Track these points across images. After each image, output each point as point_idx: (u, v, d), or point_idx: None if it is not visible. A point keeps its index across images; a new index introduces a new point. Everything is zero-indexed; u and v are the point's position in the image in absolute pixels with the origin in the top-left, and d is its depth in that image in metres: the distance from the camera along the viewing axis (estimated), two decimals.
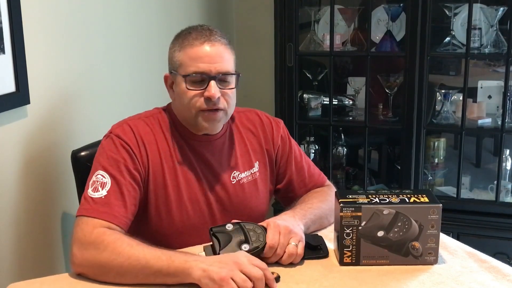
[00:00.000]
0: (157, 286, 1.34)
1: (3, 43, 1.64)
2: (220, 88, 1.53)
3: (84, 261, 1.38)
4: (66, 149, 1.84)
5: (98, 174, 1.49)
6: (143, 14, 2.40)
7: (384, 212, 1.43)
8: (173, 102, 1.64)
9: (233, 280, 1.26)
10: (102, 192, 1.46)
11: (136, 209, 1.52)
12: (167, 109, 1.65)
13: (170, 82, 1.61)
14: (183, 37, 1.56)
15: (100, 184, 1.47)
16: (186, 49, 1.54)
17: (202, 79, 1.52)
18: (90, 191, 1.47)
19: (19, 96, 1.72)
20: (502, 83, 2.67)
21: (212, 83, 1.51)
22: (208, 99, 1.52)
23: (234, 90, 1.59)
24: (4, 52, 1.65)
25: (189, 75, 1.53)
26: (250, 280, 1.28)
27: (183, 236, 1.57)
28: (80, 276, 1.39)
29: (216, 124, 1.58)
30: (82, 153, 1.75)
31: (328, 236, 1.57)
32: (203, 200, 1.61)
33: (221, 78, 1.54)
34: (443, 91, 2.76)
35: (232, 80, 1.57)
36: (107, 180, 1.48)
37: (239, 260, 1.30)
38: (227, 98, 1.56)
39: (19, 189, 1.77)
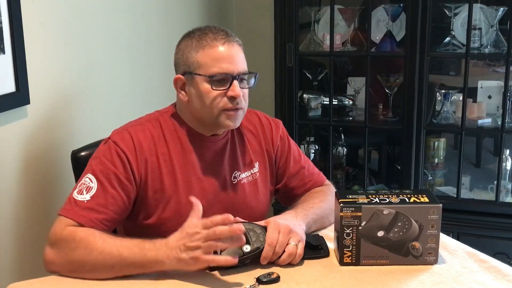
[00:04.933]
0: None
1: (3, 43, 1.65)
2: (240, 87, 1.55)
3: (57, 259, 1.41)
4: (66, 149, 1.84)
5: (86, 178, 1.50)
6: (143, 14, 2.39)
7: (384, 212, 1.43)
8: (181, 103, 1.62)
9: (205, 253, 1.35)
10: (86, 197, 1.47)
11: (120, 218, 1.53)
12: (170, 111, 1.65)
13: (180, 84, 1.60)
14: (199, 38, 1.55)
15: (86, 188, 1.48)
16: (205, 50, 1.53)
17: (223, 79, 1.53)
18: (75, 193, 1.48)
19: (19, 96, 1.72)
20: (502, 83, 2.67)
21: (235, 82, 1.53)
22: (233, 98, 1.53)
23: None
24: (4, 52, 1.65)
25: (214, 75, 1.52)
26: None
27: None
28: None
29: (238, 121, 1.60)
30: (82, 153, 1.75)
31: (328, 236, 1.57)
32: (204, 201, 1.61)
33: (242, 78, 1.56)
34: (443, 91, 2.76)
35: (248, 79, 1.59)
36: (94, 185, 1.48)
37: (197, 236, 1.35)
38: (245, 97, 1.58)
39: (19, 189, 1.77)
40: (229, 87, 1.53)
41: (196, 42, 1.55)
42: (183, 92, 1.60)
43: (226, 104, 1.54)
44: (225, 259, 1.36)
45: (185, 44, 1.58)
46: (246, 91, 1.59)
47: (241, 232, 1.37)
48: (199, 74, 1.54)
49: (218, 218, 1.37)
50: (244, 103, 1.58)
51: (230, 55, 1.54)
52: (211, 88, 1.53)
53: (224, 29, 1.59)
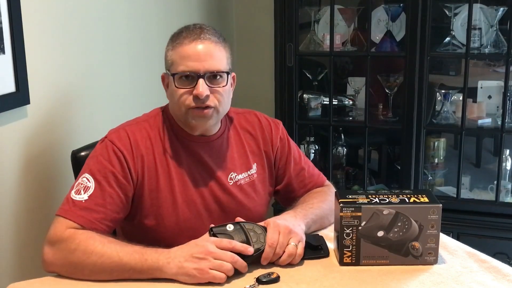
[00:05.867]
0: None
1: (3, 43, 1.65)
2: (210, 86, 1.52)
3: (56, 260, 1.40)
4: (66, 149, 1.84)
5: (83, 177, 1.49)
6: (143, 14, 2.40)
7: (384, 212, 1.43)
8: (169, 102, 1.63)
9: (211, 268, 1.34)
10: (83, 196, 1.46)
11: (119, 217, 1.52)
12: (165, 110, 1.65)
13: (166, 82, 1.60)
14: (176, 37, 1.56)
15: (84, 187, 1.48)
16: (176, 48, 1.54)
17: (191, 78, 1.52)
18: (72, 193, 1.48)
19: (19, 96, 1.72)
20: (502, 83, 2.67)
21: (200, 81, 1.51)
22: (196, 97, 1.51)
23: (227, 88, 1.57)
24: (4, 52, 1.65)
25: (178, 73, 1.53)
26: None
27: (182, 238, 1.57)
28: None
29: (206, 121, 1.56)
30: (82, 153, 1.75)
31: (328, 236, 1.58)
32: (200, 202, 1.61)
33: (211, 76, 1.53)
34: (443, 91, 2.76)
35: (224, 78, 1.56)
36: (91, 184, 1.48)
37: (209, 249, 1.36)
38: (218, 96, 1.54)
39: (19, 189, 1.77)
40: (195, 86, 1.51)
41: (172, 41, 1.56)
42: (167, 90, 1.60)
43: (191, 102, 1.52)
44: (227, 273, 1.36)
45: (167, 43, 1.59)
46: (220, 89, 1.54)
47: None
48: (170, 73, 1.55)
49: (238, 245, 1.39)
50: (215, 102, 1.54)
51: (198, 53, 1.51)
52: (175, 86, 1.53)
53: (204, 27, 1.56)
